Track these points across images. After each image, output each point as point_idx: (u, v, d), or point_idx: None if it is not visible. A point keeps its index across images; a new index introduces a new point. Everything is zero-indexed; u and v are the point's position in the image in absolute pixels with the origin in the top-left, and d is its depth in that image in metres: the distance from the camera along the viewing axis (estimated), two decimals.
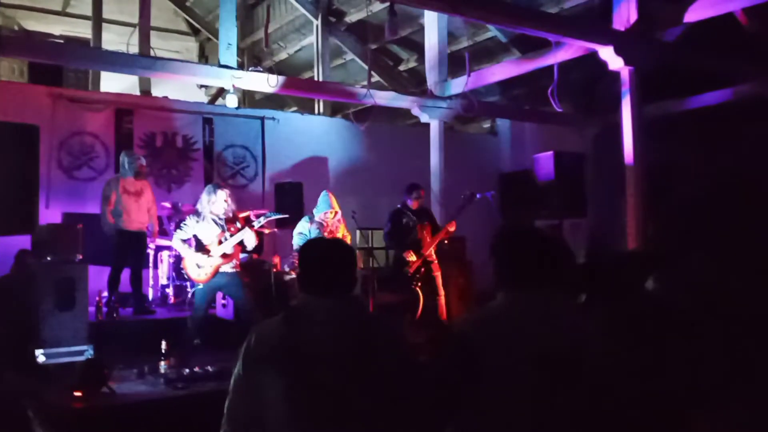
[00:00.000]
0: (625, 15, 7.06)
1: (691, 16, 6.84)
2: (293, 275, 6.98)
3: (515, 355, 2.02)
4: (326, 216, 6.80)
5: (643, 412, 2.32)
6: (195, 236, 5.94)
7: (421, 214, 7.12)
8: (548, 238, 2.25)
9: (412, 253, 6.84)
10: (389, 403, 2.01)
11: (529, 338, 2.05)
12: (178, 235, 5.91)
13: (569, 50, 7.55)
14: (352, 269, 2.22)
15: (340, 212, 6.92)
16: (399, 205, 7.17)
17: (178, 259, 7.96)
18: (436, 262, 7.01)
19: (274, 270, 7.22)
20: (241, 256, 6.18)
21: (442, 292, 6.93)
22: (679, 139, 8.80)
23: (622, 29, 7.06)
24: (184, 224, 5.95)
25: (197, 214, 5.92)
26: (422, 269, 6.88)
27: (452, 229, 6.95)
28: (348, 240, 6.99)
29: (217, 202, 5.83)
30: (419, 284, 6.85)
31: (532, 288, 2.14)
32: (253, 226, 5.90)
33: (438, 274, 6.95)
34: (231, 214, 5.95)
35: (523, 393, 2.00)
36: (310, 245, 2.35)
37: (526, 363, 2.01)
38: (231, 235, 5.81)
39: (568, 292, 2.35)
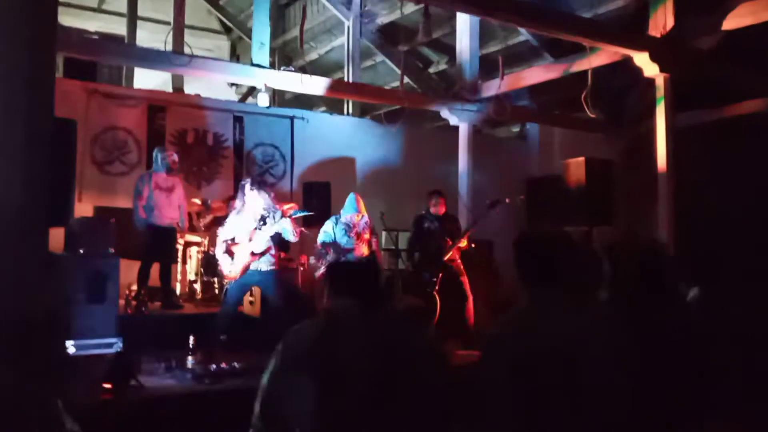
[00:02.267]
0: (662, 21, 6.99)
1: (729, 23, 6.75)
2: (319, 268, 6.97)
3: (531, 353, 2.05)
4: (352, 218, 6.78)
5: (650, 418, 2.29)
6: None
7: (445, 219, 7.07)
8: (567, 239, 2.29)
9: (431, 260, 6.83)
10: (419, 415, 2.00)
11: (543, 337, 2.08)
12: (222, 235, 6.01)
13: (603, 56, 7.48)
14: (377, 283, 2.24)
15: (366, 216, 6.87)
16: (423, 211, 7.15)
17: (206, 255, 8.03)
18: (461, 266, 6.94)
19: (302, 269, 7.24)
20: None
21: (470, 296, 6.87)
22: (712, 148, 8.69)
23: (658, 35, 6.99)
24: (227, 222, 6.06)
25: (236, 211, 5.99)
26: (441, 274, 6.82)
27: (463, 245, 6.90)
28: (374, 243, 6.94)
29: (255, 199, 5.88)
30: (437, 289, 6.78)
31: (549, 288, 2.19)
32: (292, 216, 5.91)
33: (464, 279, 6.89)
34: (269, 208, 5.97)
35: (532, 390, 2.02)
36: (335, 270, 2.37)
37: (538, 360, 2.03)
38: (263, 231, 5.85)
39: (587, 292, 2.37)
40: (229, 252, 5.86)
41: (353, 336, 2.02)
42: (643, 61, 6.93)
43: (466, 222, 8.00)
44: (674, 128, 7.00)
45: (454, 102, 9.11)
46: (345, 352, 1.99)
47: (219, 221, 8.11)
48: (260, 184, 6.17)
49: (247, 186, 6.04)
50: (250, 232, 5.87)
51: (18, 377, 2.90)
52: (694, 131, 8.33)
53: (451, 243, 6.85)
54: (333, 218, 6.98)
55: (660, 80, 7.01)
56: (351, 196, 6.96)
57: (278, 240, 6.19)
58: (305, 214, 6.85)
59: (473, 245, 7.50)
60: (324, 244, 6.75)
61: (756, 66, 7.79)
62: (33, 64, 2.97)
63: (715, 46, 7.42)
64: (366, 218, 6.88)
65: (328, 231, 6.81)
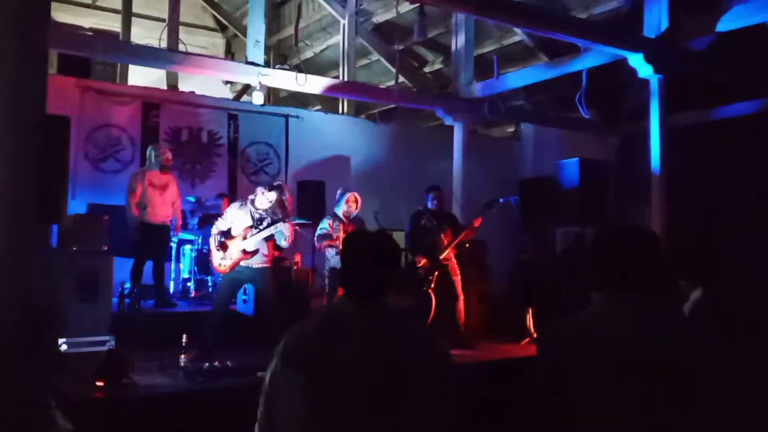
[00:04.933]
0: (656, 22, 7.01)
1: (723, 25, 6.77)
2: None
3: (609, 363, 1.90)
4: (349, 207, 6.74)
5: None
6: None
7: (442, 216, 7.02)
8: (652, 237, 2.11)
9: (424, 257, 6.76)
10: (418, 419, 1.97)
11: (627, 345, 1.93)
12: (217, 223, 6.02)
13: (598, 56, 7.50)
14: (393, 267, 2.16)
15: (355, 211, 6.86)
16: (421, 207, 7.09)
17: (200, 253, 8.01)
18: (455, 265, 6.89)
19: (295, 268, 7.24)
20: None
21: (461, 295, 6.84)
22: (706, 148, 8.73)
23: (653, 37, 7.01)
24: (226, 212, 6.06)
25: (240, 202, 5.98)
26: (436, 272, 6.79)
27: (477, 224, 6.80)
28: None
29: (264, 194, 5.87)
30: (432, 287, 6.75)
31: (631, 290, 2.02)
32: (291, 221, 5.91)
33: (457, 278, 6.85)
34: (271, 212, 5.95)
35: (613, 402, 1.89)
36: (351, 241, 2.27)
37: (621, 371, 1.89)
38: (258, 231, 5.84)
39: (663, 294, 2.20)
40: (223, 247, 5.85)
41: (352, 334, 2.00)
42: (637, 62, 6.95)
43: (462, 221, 7.99)
44: (668, 129, 7.02)
45: (449, 101, 9.11)
46: (344, 350, 1.97)
47: (212, 219, 8.12)
48: (278, 187, 6.14)
49: (261, 189, 6.03)
50: (244, 229, 5.86)
51: (10, 373, 2.90)
52: (687, 131, 8.37)
53: (448, 241, 6.80)
54: (327, 217, 6.95)
55: (654, 81, 7.03)
56: (339, 192, 6.93)
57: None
58: (303, 222, 6.76)
59: (467, 244, 7.50)
60: (320, 236, 6.75)
61: (750, 67, 7.83)
62: (23, 57, 2.95)
63: (710, 46, 7.44)
64: (355, 213, 6.86)
65: (325, 227, 6.77)
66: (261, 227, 5.87)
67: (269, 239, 5.94)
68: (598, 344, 1.96)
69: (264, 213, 5.90)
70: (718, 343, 2.00)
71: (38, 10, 3.08)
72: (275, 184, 6.12)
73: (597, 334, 2.00)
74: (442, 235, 6.80)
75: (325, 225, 6.78)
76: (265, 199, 5.89)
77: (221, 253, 5.86)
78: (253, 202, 5.92)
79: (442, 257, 6.75)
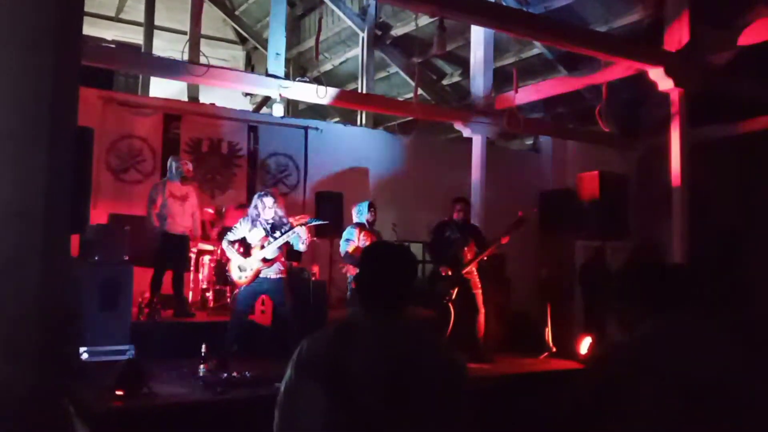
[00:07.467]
0: (677, 36, 6.99)
1: (745, 39, 6.73)
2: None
3: (665, 384, 1.95)
4: (372, 214, 6.72)
5: None
6: (244, 239, 6.03)
7: (466, 228, 6.96)
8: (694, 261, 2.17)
9: (448, 269, 6.72)
10: (431, 430, 1.98)
11: (680, 367, 1.97)
12: (228, 236, 6.02)
13: (618, 69, 7.48)
14: (411, 281, 2.18)
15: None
16: (446, 218, 7.05)
17: (219, 263, 8.05)
18: (476, 279, 6.86)
19: (313, 279, 7.25)
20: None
21: (482, 309, 6.79)
22: (727, 163, 8.65)
23: (673, 50, 6.98)
24: (235, 227, 6.06)
25: (249, 218, 6.01)
26: (457, 286, 6.76)
27: (505, 241, 6.72)
28: None
29: (265, 207, 5.92)
30: (451, 301, 6.71)
31: (680, 311, 2.08)
32: (308, 224, 5.95)
33: (478, 292, 6.80)
34: (278, 218, 6.01)
35: (670, 422, 1.93)
36: (371, 251, 2.29)
37: (676, 392, 1.93)
38: (275, 239, 5.88)
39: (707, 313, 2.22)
40: (246, 253, 5.89)
41: (367, 345, 2.01)
42: (658, 75, 6.92)
43: (484, 235, 7.96)
44: (689, 143, 6.97)
45: (467, 114, 9.12)
46: (358, 361, 1.97)
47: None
48: (268, 192, 6.18)
49: (256, 196, 6.09)
50: (261, 239, 5.90)
51: (33, 380, 2.93)
52: (711, 145, 8.30)
53: (471, 255, 6.76)
54: (352, 226, 6.86)
55: (675, 94, 6.99)
56: (361, 204, 6.92)
57: (287, 249, 6.23)
58: (320, 222, 6.83)
59: (485, 258, 7.48)
60: (347, 254, 6.67)
61: None
62: (59, 71, 3.00)
63: (731, 60, 7.39)
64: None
65: (351, 238, 6.69)
66: (276, 235, 5.91)
67: (282, 247, 5.98)
68: (652, 365, 2.00)
69: (272, 220, 5.95)
70: (756, 360, 2.01)
71: (74, 25, 3.13)
72: (262, 192, 6.16)
73: (651, 356, 2.03)
74: (465, 249, 6.76)
75: (352, 235, 6.68)
76: (269, 211, 5.94)
77: (242, 264, 5.89)
78: (259, 216, 5.96)
79: (464, 271, 6.72)
